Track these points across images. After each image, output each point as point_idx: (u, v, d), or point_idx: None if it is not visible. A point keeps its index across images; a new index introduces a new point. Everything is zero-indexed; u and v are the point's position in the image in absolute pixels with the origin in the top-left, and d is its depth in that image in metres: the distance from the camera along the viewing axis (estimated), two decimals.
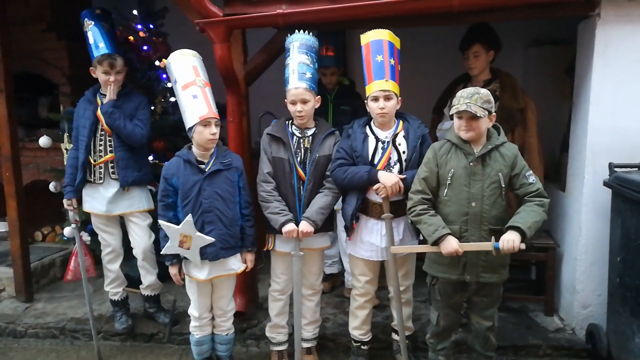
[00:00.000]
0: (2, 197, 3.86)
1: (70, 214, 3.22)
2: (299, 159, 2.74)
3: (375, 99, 2.58)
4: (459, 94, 2.36)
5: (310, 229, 2.66)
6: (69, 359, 3.22)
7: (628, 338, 2.67)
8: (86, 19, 3.20)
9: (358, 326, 2.93)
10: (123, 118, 3.10)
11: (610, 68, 2.88)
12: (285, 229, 2.65)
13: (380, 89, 2.56)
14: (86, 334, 3.41)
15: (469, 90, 2.34)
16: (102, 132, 3.18)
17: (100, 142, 3.18)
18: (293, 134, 2.77)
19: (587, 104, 2.98)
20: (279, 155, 2.73)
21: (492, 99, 2.35)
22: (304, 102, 2.66)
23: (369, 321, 2.95)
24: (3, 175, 3.73)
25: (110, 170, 3.19)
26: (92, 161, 3.19)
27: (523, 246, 2.23)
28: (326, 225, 2.80)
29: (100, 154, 3.19)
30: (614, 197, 2.83)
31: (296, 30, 2.75)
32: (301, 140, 2.75)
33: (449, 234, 2.32)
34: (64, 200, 3.23)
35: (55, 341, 3.45)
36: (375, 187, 2.56)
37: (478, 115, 2.26)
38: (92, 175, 3.21)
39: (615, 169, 2.86)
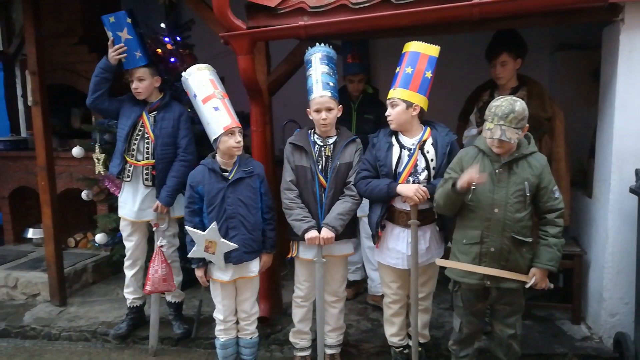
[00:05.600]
0: (37, 205, 4.02)
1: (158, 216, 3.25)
2: (320, 167, 2.79)
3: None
4: (492, 107, 2.31)
5: (331, 234, 2.70)
6: None
7: None
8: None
9: (396, 333, 2.93)
10: (173, 187, 3.18)
11: (635, 73, 2.85)
12: (307, 235, 2.70)
13: (387, 97, 2.65)
14: (117, 337, 3.50)
15: (504, 108, 2.26)
16: (141, 136, 3.23)
17: (135, 142, 3.24)
18: (315, 143, 2.83)
19: (613, 109, 2.94)
20: (302, 164, 2.79)
21: (527, 112, 2.30)
22: (329, 110, 2.72)
23: (405, 326, 2.95)
24: (39, 184, 3.88)
25: (144, 175, 3.27)
26: (125, 158, 3.27)
27: (551, 285, 2.47)
28: (348, 232, 2.85)
29: (133, 152, 3.25)
30: None
31: (317, 43, 2.81)
32: (323, 149, 2.81)
33: (454, 180, 2.37)
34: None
35: (88, 344, 3.57)
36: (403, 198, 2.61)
37: (512, 142, 2.26)
38: (122, 172, 3.29)
39: None
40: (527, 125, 2.34)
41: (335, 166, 2.77)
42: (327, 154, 2.81)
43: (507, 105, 2.27)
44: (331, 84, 2.74)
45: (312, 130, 2.87)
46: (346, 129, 2.93)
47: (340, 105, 2.81)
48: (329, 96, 2.71)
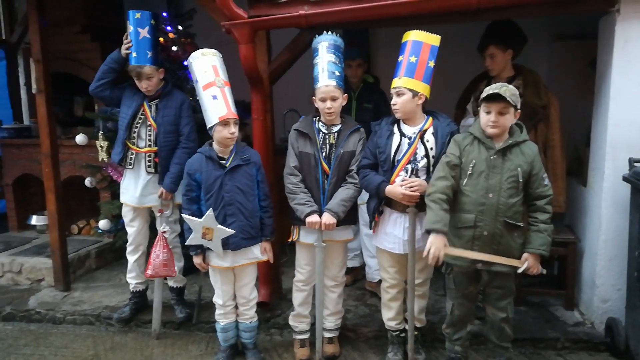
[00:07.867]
0: (41, 193, 4.07)
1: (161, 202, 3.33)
2: (324, 154, 2.85)
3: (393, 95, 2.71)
4: (484, 91, 2.43)
5: (333, 220, 2.77)
6: (105, 344, 3.40)
7: None
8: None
9: (393, 317, 2.99)
10: (176, 174, 3.22)
11: (630, 63, 2.89)
12: (309, 219, 2.77)
13: (392, 86, 2.69)
14: (120, 321, 3.58)
15: (495, 85, 2.43)
16: (142, 122, 3.29)
17: (136, 130, 3.30)
18: (319, 130, 2.89)
19: (608, 98, 2.99)
20: (305, 150, 2.85)
21: (517, 92, 2.41)
22: (334, 99, 2.77)
23: (402, 310, 3.00)
24: (43, 170, 3.93)
25: (147, 162, 3.32)
26: (127, 143, 3.33)
27: (544, 270, 2.50)
28: (349, 218, 2.90)
29: (134, 139, 3.31)
30: (633, 192, 2.84)
31: (324, 31, 2.85)
32: (327, 137, 2.87)
33: (443, 232, 2.41)
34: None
35: (92, 327, 3.64)
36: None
37: (508, 100, 2.32)
38: (123, 160, 3.36)
39: (635, 164, 2.87)
40: (519, 110, 2.43)
41: (339, 154, 2.83)
42: (331, 141, 2.87)
43: (497, 85, 2.42)
44: (337, 73, 2.79)
45: (317, 118, 2.93)
46: (351, 118, 2.99)
47: (346, 94, 2.86)
48: (334, 85, 2.76)
